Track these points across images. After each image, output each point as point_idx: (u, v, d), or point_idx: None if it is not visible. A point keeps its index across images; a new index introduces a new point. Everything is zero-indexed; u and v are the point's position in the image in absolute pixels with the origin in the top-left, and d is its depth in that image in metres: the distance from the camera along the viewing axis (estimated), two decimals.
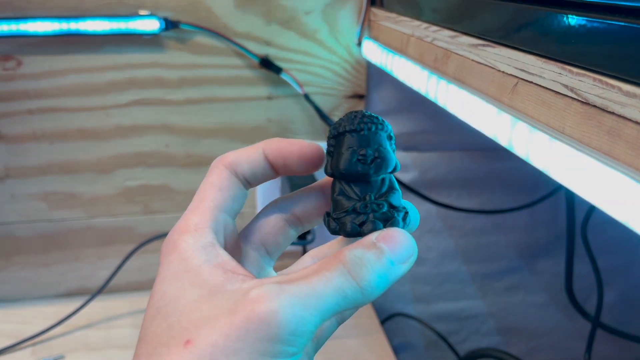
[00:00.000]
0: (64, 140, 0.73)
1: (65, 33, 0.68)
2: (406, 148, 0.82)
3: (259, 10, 0.72)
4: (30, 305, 0.78)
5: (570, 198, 0.81)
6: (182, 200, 0.78)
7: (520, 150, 0.38)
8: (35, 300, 0.79)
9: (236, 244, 0.31)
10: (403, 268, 0.27)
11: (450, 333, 0.92)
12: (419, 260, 0.89)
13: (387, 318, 0.89)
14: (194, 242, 0.28)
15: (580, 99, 0.32)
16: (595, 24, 0.31)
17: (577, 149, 0.32)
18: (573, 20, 0.33)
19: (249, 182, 0.31)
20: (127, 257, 0.75)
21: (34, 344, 0.72)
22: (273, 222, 0.32)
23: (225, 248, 0.29)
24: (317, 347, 0.34)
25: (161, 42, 0.71)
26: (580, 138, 0.32)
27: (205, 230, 0.28)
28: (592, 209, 0.82)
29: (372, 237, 0.28)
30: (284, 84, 0.75)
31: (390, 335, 0.76)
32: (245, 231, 0.33)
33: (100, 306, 0.76)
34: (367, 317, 0.79)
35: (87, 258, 0.79)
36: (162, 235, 0.76)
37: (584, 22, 0.32)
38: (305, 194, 0.32)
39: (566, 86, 0.33)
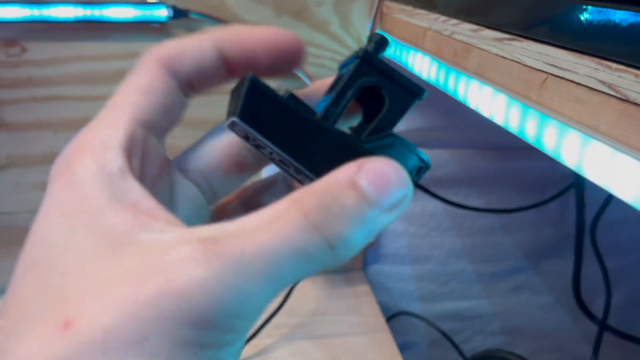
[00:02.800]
0: (68, 130, 0.71)
1: (72, 20, 0.66)
2: (416, 144, 0.81)
3: (270, 0, 0.70)
4: None
5: (580, 198, 0.80)
6: None
7: (550, 149, 0.36)
8: None
9: (162, 172, 0.23)
10: (392, 215, 0.20)
11: (454, 332, 0.91)
12: (425, 258, 0.88)
13: (391, 316, 0.87)
14: (96, 167, 0.20)
15: (619, 95, 0.31)
16: (638, 18, 0.30)
17: (615, 148, 0.30)
18: (612, 13, 0.31)
19: (192, 85, 0.23)
20: None
21: None
22: (226, 147, 0.24)
23: (144, 178, 0.21)
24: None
25: (169, 31, 0.70)
26: (618, 137, 0.31)
27: (114, 150, 0.20)
28: (601, 210, 0.81)
29: (348, 171, 0.20)
30: (294, 76, 0.73)
31: (394, 334, 0.75)
32: (183, 157, 0.25)
33: None
34: (372, 316, 0.78)
35: None
36: None
37: (625, 15, 0.30)
38: None
39: (603, 82, 0.32)
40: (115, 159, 0.20)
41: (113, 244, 0.18)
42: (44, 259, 0.18)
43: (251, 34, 0.23)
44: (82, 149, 0.20)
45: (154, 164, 0.22)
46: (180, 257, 0.17)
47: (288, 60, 0.23)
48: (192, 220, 0.24)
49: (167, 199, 0.23)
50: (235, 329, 0.18)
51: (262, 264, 0.18)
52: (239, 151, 0.25)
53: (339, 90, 0.23)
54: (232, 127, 0.22)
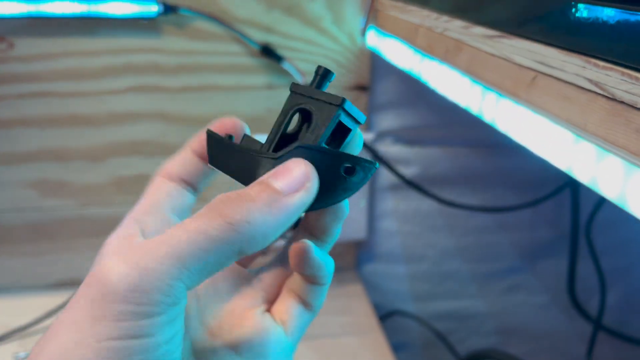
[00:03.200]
0: (55, 126, 0.71)
1: (60, 16, 0.65)
2: (409, 142, 0.80)
3: None
4: (18, 296, 0.76)
5: (576, 197, 0.80)
6: None
7: (536, 148, 0.35)
8: (24, 291, 0.77)
9: (162, 221, 0.30)
10: (297, 197, 0.25)
11: (448, 332, 0.90)
12: (419, 258, 0.87)
13: (385, 316, 0.87)
14: (116, 237, 0.28)
15: (606, 94, 0.30)
16: (625, 16, 0.29)
17: (602, 147, 0.29)
18: (600, 11, 0.30)
19: (187, 181, 0.31)
20: None
21: (21, 336, 0.69)
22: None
23: (147, 232, 0.28)
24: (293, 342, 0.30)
25: (159, 26, 0.69)
26: (605, 136, 0.30)
27: (130, 226, 0.28)
28: (596, 209, 0.80)
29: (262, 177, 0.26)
30: (285, 73, 0.72)
31: (388, 334, 0.74)
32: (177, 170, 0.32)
33: None
34: (365, 315, 0.77)
35: (78, 249, 0.76)
36: None
37: (612, 13, 0.30)
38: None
39: (590, 80, 0.31)
40: (126, 227, 0.29)
41: None
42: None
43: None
44: (108, 252, 0.28)
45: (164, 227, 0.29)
46: (105, 253, 0.25)
47: None
48: (218, 277, 0.30)
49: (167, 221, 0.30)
50: (147, 302, 0.22)
51: (163, 249, 0.23)
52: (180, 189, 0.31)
53: (276, 121, 0.29)
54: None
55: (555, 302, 0.92)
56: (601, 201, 0.80)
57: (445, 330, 0.89)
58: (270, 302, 0.30)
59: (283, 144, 0.28)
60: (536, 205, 0.84)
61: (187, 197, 0.31)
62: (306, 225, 0.30)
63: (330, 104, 0.27)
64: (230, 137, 0.29)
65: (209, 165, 0.30)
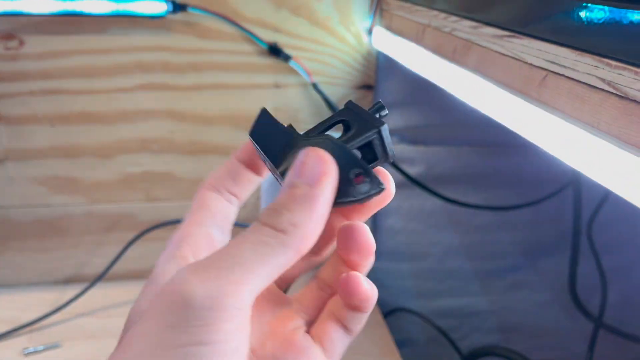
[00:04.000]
0: (66, 124, 0.71)
1: (70, 13, 0.66)
2: (413, 142, 0.81)
3: None
4: (27, 292, 0.76)
5: (577, 197, 0.81)
6: (185, 188, 0.76)
7: (548, 146, 0.36)
8: (32, 287, 0.77)
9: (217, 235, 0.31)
10: (322, 188, 0.26)
11: (451, 329, 0.91)
12: (423, 255, 0.88)
13: (388, 312, 0.87)
14: (171, 264, 0.29)
15: (618, 93, 0.31)
16: (638, 16, 0.30)
17: (615, 145, 0.30)
18: (612, 11, 0.31)
19: (234, 194, 0.32)
20: (128, 245, 0.74)
21: (30, 331, 0.70)
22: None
23: (197, 251, 0.29)
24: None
25: (168, 25, 0.69)
26: (618, 134, 0.31)
27: (181, 245, 0.29)
28: (598, 208, 0.81)
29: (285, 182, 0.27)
30: (292, 72, 0.73)
31: (391, 330, 0.75)
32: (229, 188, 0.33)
33: (98, 294, 0.74)
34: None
35: (86, 245, 0.77)
36: (164, 224, 0.75)
37: (625, 13, 0.30)
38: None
39: (603, 80, 0.32)
40: (178, 249, 0.29)
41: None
42: (126, 326, 0.28)
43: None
44: (162, 260, 0.30)
45: (210, 246, 0.30)
46: (175, 275, 0.25)
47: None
48: (261, 298, 0.30)
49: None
50: (220, 307, 0.23)
51: (227, 261, 0.24)
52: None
53: (320, 122, 0.31)
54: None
55: (557, 300, 0.93)
56: (602, 200, 0.81)
57: (448, 327, 0.90)
58: (309, 324, 0.31)
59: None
60: (538, 204, 0.85)
61: (231, 208, 0.32)
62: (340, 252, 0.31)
63: (371, 123, 0.29)
64: (289, 125, 0.31)
65: (248, 136, 0.31)
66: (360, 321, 0.30)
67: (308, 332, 0.30)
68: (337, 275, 0.30)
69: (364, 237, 0.29)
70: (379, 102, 0.31)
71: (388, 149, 0.29)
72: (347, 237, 0.29)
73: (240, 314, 0.24)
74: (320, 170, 0.26)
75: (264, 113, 0.32)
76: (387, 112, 0.31)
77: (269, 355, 0.29)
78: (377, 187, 0.27)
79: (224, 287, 0.24)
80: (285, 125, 0.31)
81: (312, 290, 0.31)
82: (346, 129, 0.30)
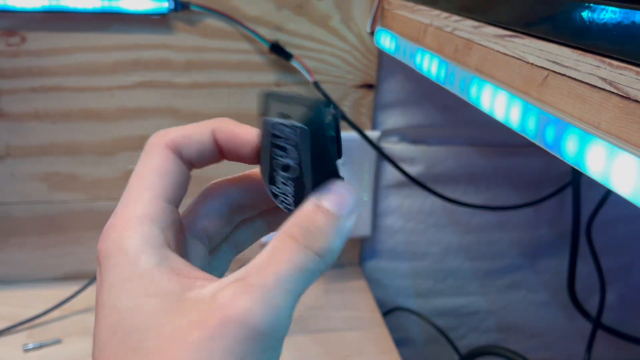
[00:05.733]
0: (66, 121, 0.71)
1: (72, 10, 0.66)
2: (414, 141, 0.81)
3: None
4: (27, 288, 0.77)
5: (577, 197, 0.81)
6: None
7: (551, 146, 0.36)
8: (32, 283, 0.77)
9: (179, 235, 0.28)
10: (352, 219, 0.27)
11: (450, 329, 0.92)
12: (422, 255, 0.88)
13: (387, 312, 0.88)
14: (141, 240, 0.25)
15: (620, 93, 0.31)
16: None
17: (616, 145, 0.30)
18: (615, 11, 0.31)
19: (192, 164, 0.29)
20: None
21: (30, 327, 0.70)
22: (225, 206, 0.31)
23: (170, 244, 0.27)
24: None
25: (170, 23, 0.69)
26: (619, 134, 0.31)
27: (151, 225, 0.26)
28: (597, 209, 0.82)
29: (312, 200, 0.26)
30: (294, 70, 0.73)
31: (390, 329, 0.75)
32: (189, 218, 0.30)
33: None
34: (369, 311, 0.78)
35: (87, 242, 0.77)
36: None
37: (626, 13, 0.31)
38: (249, 179, 0.31)
39: (604, 79, 0.32)
40: (154, 233, 0.25)
41: (168, 304, 0.23)
42: (121, 324, 0.23)
43: (242, 133, 0.28)
44: (125, 227, 0.25)
45: (175, 231, 0.28)
46: (227, 297, 0.23)
47: None
48: (204, 268, 0.29)
49: (184, 257, 0.28)
50: (276, 337, 0.24)
51: (282, 287, 0.24)
52: (235, 207, 0.31)
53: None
54: (276, 126, 0.27)
55: (555, 300, 0.94)
56: (602, 201, 0.81)
57: (446, 326, 0.91)
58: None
59: None
60: (538, 204, 0.85)
61: (186, 183, 0.29)
62: None
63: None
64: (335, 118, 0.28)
65: (301, 126, 0.26)
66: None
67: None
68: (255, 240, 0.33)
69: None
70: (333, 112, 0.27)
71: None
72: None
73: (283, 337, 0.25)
74: (354, 208, 0.27)
75: (329, 110, 0.27)
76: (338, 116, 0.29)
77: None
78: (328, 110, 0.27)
79: (281, 319, 0.24)
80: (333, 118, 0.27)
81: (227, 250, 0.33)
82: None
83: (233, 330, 0.23)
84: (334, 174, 0.28)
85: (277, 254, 0.25)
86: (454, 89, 0.51)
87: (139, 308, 0.23)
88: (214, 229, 0.31)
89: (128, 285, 0.24)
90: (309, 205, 0.26)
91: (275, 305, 0.24)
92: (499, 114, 0.43)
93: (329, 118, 0.27)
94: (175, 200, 0.28)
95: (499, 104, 0.43)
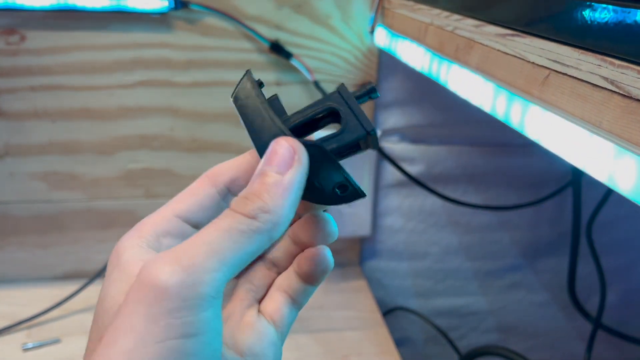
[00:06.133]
0: (66, 119, 0.71)
1: (72, 8, 0.66)
2: (414, 141, 0.81)
3: None
4: (26, 287, 0.76)
5: (577, 197, 0.81)
6: (184, 184, 0.75)
7: (551, 145, 0.36)
8: (31, 282, 0.77)
9: None
10: (292, 177, 0.27)
11: (450, 329, 0.91)
12: (422, 255, 0.88)
13: (387, 311, 0.88)
14: (138, 251, 0.28)
15: (621, 92, 0.31)
16: None
17: (617, 144, 0.30)
18: (617, 10, 0.31)
19: (231, 190, 0.31)
20: None
21: (29, 327, 0.70)
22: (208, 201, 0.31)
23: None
24: (282, 337, 0.32)
25: (170, 21, 0.69)
26: (621, 133, 0.31)
27: (152, 237, 0.29)
28: (598, 209, 0.81)
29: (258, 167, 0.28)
30: (294, 70, 0.73)
31: (390, 329, 0.75)
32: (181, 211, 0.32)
33: (98, 290, 0.73)
34: (369, 311, 0.78)
35: (86, 241, 0.77)
36: None
37: (629, 12, 0.30)
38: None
39: (606, 79, 0.32)
40: (152, 244, 0.28)
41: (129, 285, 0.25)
42: (99, 314, 0.27)
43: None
44: (131, 235, 0.29)
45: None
46: (147, 264, 0.24)
47: None
48: None
49: None
50: (192, 296, 0.24)
51: (199, 248, 0.24)
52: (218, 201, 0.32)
53: (310, 106, 0.30)
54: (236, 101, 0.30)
55: (556, 301, 0.93)
56: (602, 201, 0.81)
57: (446, 326, 0.90)
58: (258, 301, 0.32)
59: (303, 126, 0.30)
60: (538, 204, 0.85)
61: (214, 207, 0.31)
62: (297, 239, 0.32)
63: (362, 126, 0.29)
64: (261, 84, 0.31)
65: (230, 98, 0.31)
66: (309, 294, 0.32)
67: (259, 309, 0.32)
68: (287, 255, 0.32)
69: (330, 228, 0.31)
70: (370, 82, 0.31)
71: (372, 145, 0.30)
72: (311, 227, 0.31)
73: (216, 302, 0.25)
74: (291, 158, 0.27)
75: (249, 76, 0.31)
76: (378, 95, 0.31)
77: (228, 339, 0.30)
78: (359, 196, 0.29)
79: (200, 276, 0.24)
80: (270, 97, 0.30)
81: (260, 269, 0.33)
82: (334, 116, 0.30)
83: (144, 290, 0.24)
84: (277, 134, 0.28)
85: (210, 225, 0.26)
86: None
87: (115, 302, 0.26)
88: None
89: (116, 284, 0.27)
90: (255, 174, 0.27)
91: (188, 263, 0.24)
92: (499, 113, 0.43)
93: (249, 83, 0.30)
94: (196, 218, 0.30)
95: (500, 103, 0.43)
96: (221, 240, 0.25)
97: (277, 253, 0.32)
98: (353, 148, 0.30)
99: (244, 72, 0.75)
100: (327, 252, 0.31)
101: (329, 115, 0.30)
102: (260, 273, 0.32)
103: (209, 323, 0.24)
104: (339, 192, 0.29)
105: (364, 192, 0.29)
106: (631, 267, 0.92)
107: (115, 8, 0.66)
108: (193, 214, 0.30)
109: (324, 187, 0.29)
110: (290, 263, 0.32)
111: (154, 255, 0.25)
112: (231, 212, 0.26)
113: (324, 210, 0.32)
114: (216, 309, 0.25)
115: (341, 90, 0.30)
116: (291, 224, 0.32)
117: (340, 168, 0.29)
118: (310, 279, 0.32)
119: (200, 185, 0.31)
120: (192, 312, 0.24)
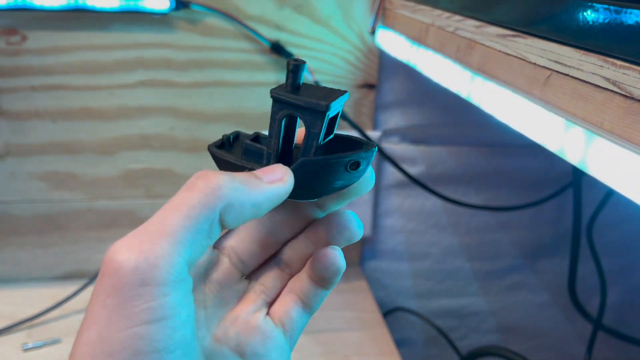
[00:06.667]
0: (67, 119, 0.71)
1: (73, 8, 0.66)
2: (415, 141, 0.81)
3: None
4: (26, 287, 0.76)
5: (578, 198, 0.81)
6: None
7: (553, 145, 0.36)
8: (32, 282, 0.77)
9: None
10: (275, 187, 0.27)
11: (450, 329, 0.91)
12: (423, 255, 0.88)
13: (388, 312, 0.88)
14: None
15: (623, 92, 0.31)
16: None
17: (619, 144, 0.30)
18: (618, 11, 0.31)
19: None
20: None
21: (29, 327, 0.70)
22: (259, 234, 0.31)
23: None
24: (291, 342, 0.31)
25: (171, 22, 0.69)
26: (622, 134, 0.31)
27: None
28: (598, 210, 0.81)
29: None
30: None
31: (390, 330, 0.75)
32: (226, 239, 0.32)
33: None
34: (369, 311, 0.78)
35: (86, 241, 0.77)
36: None
37: (630, 13, 0.30)
38: None
39: (608, 79, 0.32)
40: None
41: None
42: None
43: None
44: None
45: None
46: (110, 248, 0.24)
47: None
48: (224, 286, 0.31)
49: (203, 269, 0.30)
50: (153, 282, 0.23)
51: (155, 226, 0.24)
52: (268, 237, 0.31)
53: (270, 131, 0.30)
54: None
55: (556, 301, 0.93)
56: (603, 202, 0.81)
57: (447, 327, 0.90)
58: (270, 304, 0.32)
59: (283, 151, 0.30)
60: (538, 205, 0.85)
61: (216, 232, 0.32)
62: (317, 233, 0.32)
63: (317, 110, 0.28)
64: (236, 135, 0.32)
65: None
66: (321, 298, 0.32)
67: (268, 312, 0.31)
68: (302, 256, 0.31)
69: (355, 225, 0.31)
70: (288, 62, 0.29)
71: (342, 101, 0.29)
72: (334, 225, 0.31)
73: (180, 285, 0.24)
74: (280, 177, 0.27)
75: (213, 153, 0.31)
76: (304, 64, 0.29)
77: (232, 341, 0.29)
78: (372, 152, 0.29)
79: (155, 259, 0.23)
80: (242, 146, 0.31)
81: (272, 270, 0.32)
82: (292, 119, 0.30)
83: (103, 282, 0.23)
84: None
85: (172, 198, 0.25)
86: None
87: None
88: (247, 253, 0.31)
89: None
90: None
91: (142, 248, 0.23)
92: (500, 115, 0.43)
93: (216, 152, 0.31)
94: (197, 247, 0.30)
95: (501, 104, 0.43)
96: (173, 218, 0.24)
97: (291, 254, 0.32)
98: (331, 126, 0.30)
99: (245, 72, 0.75)
100: (339, 253, 0.30)
101: (291, 120, 0.30)
102: (272, 274, 0.32)
103: (174, 307, 0.24)
104: (353, 170, 0.29)
105: (373, 144, 0.29)
106: (632, 267, 0.92)
107: (119, 9, 0.66)
108: (192, 241, 0.30)
109: (339, 178, 0.29)
110: (304, 265, 0.32)
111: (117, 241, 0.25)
112: (188, 185, 0.25)
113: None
114: (182, 292, 0.24)
115: (275, 94, 0.29)
116: (310, 223, 0.32)
117: (343, 157, 0.28)
118: (323, 281, 0.31)
119: (198, 203, 0.31)
120: (152, 297, 0.23)
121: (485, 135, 0.82)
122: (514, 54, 0.42)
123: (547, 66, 0.38)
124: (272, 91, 0.29)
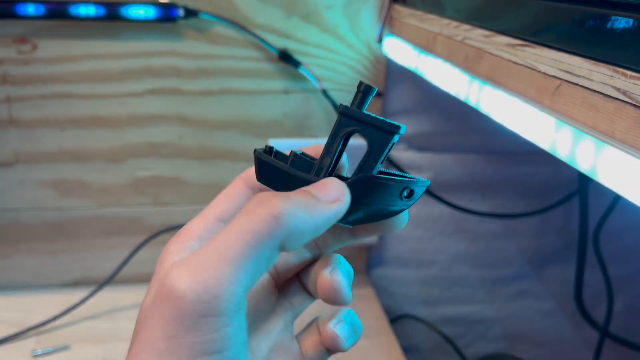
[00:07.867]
0: (76, 127, 0.72)
1: (82, 17, 0.66)
2: (422, 148, 0.81)
3: (280, 2, 0.71)
4: (35, 294, 0.77)
5: (584, 205, 0.81)
6: (193, 192, 0.77)
7: (564, 154, 0.36)
8: (40, 289, 0.78)
9: None
10: (332, 208, 0.26)
11: (456, 337, 0.91)
12: (429, 263, 0.88)
13: (394, 319, 0.88)
14: (180, 257, 0.28)
15: (634, 102, 0.31)
16: None
17: (630, 154, 0.31)
18: (629, 21, 0.32)
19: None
20: (137, 249, 0.74)
21: (38, 333, 0.70)
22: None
23: None
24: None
25: (179, 30, 0.70)
26: (634, 143, 0.31)
27: (195, 241, 0.29)
28: (605, 217, 0.81)
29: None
30: (302, 78, 0.74)
31: (397, 337, 0.75)
32: None
33: (106, 297, 0.75)
34: (376, 319, 0.78)
35: (95, 248, 0.77)
36: (172, 228, 0.75)
37: None
38: None
39: (618, 89, 0.32)
40: (192, 244, 0.28)
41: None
42: (137, 321, 0.26)
43: None
44: (174, 240, 0.29)
45: None
46: (168, 269, 0.24)
47: None
48: (261, 296, 0.31)
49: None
50: (215, 312, 0.23)
51: (217, 253, 0.23)
52: (302, 250, 0.32)
53: (327, 144, 0.29)
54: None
55: (563, 309, 0.93)
56: (610, 209, 0.81)
57: (453, 334, 0.90)
58: (294, 319, 0.32)
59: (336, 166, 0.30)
60: (545, 212, 0.85)
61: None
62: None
63: (385, 130, 0.28)
64: (275, 152, 0.31)
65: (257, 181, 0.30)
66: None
67: (297, 337, 0.32)
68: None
69: (341, 294, 0.30)
70: (361, 83, 0.29)
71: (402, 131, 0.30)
72: (325, 288, 0.30)
73: (239, 314, 0.24)
74: (338, 195, 0.27)
75: (259, 157, 0.30)
76: (375, 89, 0.30)
77: (263, 353, 0.30)
78: (425, 186, 0.30)
79: (215, 290, 0.23)
80: (288, 156, 0.30)
81: (297, 286, 0.32)
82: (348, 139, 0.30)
83: (162, 309, 0.23)
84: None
85: (232, 222, 0.25)
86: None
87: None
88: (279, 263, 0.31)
89: (149, 294, 0.27)
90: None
91: (204, 276, 0.23)
92: (510, 124, 0.43)
93: (264, 157, 0.30)
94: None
95: (511, 114, 0.43)
96: (235, 244, 0.23)
97: (314, 277, 0.31)
98: (389, 150, 0.30)
99: (253, 80, 0.76)
100: (343, 282, 0.30)
101: (347, 138, 0.30)
102: (297, 290, 0.32)
103: (232, 338, 0.23)
104: (405, 198, 0.29)
105: (427, 181, 0.30)
106: (638, 275, 0.92)
107: (128, 18, 0.67)
108: (232, 216, 0.28)
109: (389, 203, 0.29)
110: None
111: (172, 264, 0.24)
112: (250, 210, 0.24)
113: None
114: (239, 321, 0.24)
115: (344, 111, 0.29)
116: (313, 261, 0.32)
117: (403, 181, 0.28)
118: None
119: (236, 187, 0.31)
120: (214, 329, 0.23)
121: (491, 143, 0.82)
122: (524, 63, 0.42)
123: (557, 76, 0.38)
124: (341, 106, 0.29)
